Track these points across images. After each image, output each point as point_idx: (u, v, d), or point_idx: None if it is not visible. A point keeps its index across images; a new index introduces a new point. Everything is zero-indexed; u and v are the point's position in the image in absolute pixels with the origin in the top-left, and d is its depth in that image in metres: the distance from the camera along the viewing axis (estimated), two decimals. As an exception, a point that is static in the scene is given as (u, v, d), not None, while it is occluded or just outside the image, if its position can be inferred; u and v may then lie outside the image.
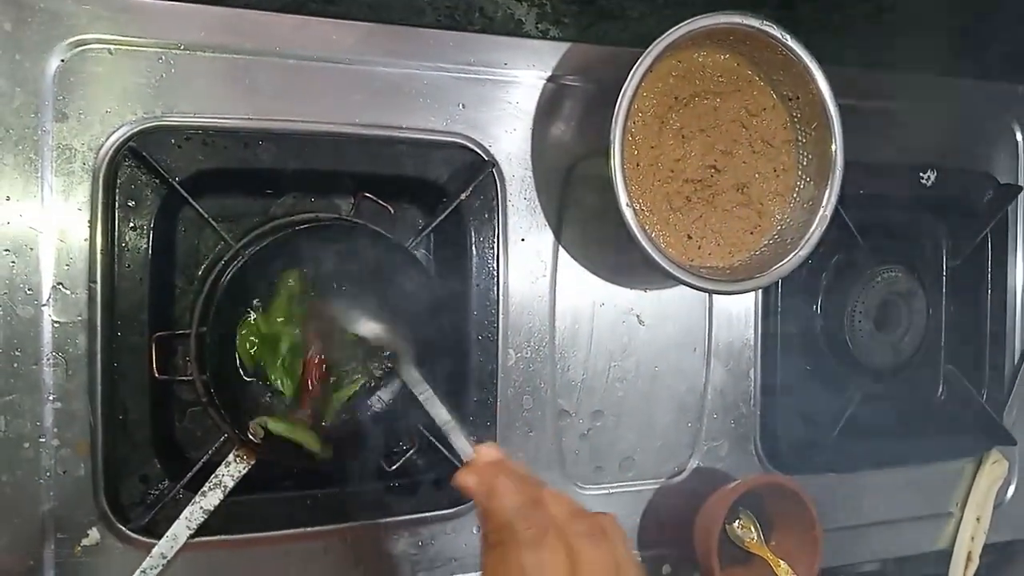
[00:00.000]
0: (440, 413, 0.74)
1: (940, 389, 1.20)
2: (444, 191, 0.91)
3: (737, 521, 1.03)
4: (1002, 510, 1.21)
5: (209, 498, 0.82)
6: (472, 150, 0.92)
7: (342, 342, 0.87)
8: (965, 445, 1.18)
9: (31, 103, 0.78)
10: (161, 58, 0.81)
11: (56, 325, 0.79)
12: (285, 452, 0.84)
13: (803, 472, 1.06)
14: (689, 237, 0.93)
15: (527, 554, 0.61)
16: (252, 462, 0.83)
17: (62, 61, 0.78)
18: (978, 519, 1.18)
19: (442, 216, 0.89)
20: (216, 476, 0.82)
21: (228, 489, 0.82)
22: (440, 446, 0.89)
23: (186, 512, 0.81)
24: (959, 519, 1.19)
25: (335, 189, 0.90)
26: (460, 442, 0.71)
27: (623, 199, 0.84)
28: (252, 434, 0.82)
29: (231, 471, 0.82)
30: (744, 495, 0.98)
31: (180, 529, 0.81)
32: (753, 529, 1.03)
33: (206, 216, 0.83)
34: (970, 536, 1.18)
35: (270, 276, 0.86)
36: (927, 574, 1.19)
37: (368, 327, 0.82)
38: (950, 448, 1.17)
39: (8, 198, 0.77)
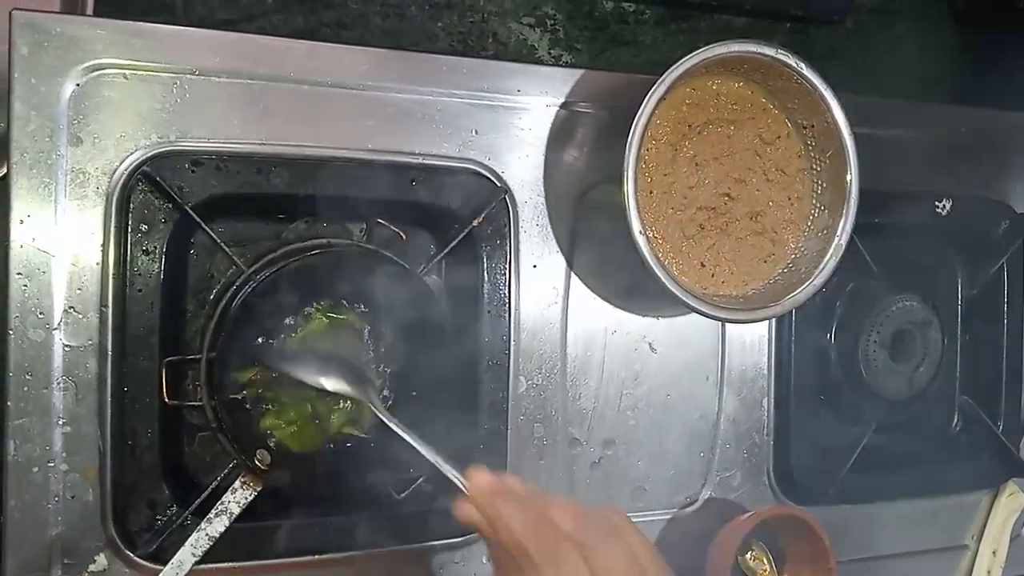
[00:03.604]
0: (422, 448, 0.73)
1: (955, 420, 1.18)
2: (456, 217, 0.90)
3: (750, 553, 1.02)
4: (1019, 543, 1.19)
5: (215, 525, 0.81)
6: (485, 176, 0.92)
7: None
8: (981, 477, 1.17)
9: (46, 127, 0.78)
10: (175, 83, 0.82)
11: (67, 349, 0.79)
12: (292, 479, 0.84)
13: (816, 503, 1.04)
14: (703, 265, 0.92)
15: (547, 574, 0.60)
16: (258, 489, 0.82)
17: (77, 85, 0.79)
18: (994, 552, 1.17)
19: (454, 242, 0.89)
20: (222, 503, 0.81)
21: (234, 516, 0.82)
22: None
23: (191, 539, 0.80)
24: (975, 552, 1.17)
25: (347, 214, 0.90)
26: (450, 474, 0.69)
27: (636, 226, 0.84)
28: (259, 461, 0.82)
29: (237, 498, 0.82)
30: (757, 526, 0.97)
31: (185, 556, 0.80)
32: (766, 561, 1.02)
33: (218, 241, 0.83)
34: (986, 570, 1.16)
35: (281, 302, 0.86)
36: (943, 608, 1.17)
37: (332, 384, 0.81)
38: (966, 480, 1.15)
39: (22, 221, 0.78)
